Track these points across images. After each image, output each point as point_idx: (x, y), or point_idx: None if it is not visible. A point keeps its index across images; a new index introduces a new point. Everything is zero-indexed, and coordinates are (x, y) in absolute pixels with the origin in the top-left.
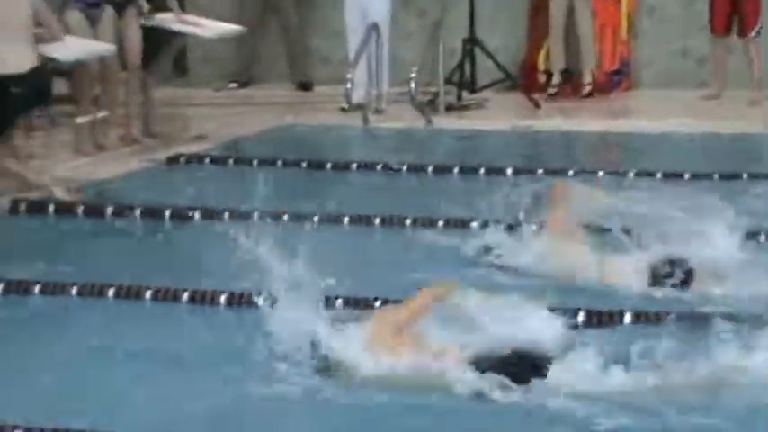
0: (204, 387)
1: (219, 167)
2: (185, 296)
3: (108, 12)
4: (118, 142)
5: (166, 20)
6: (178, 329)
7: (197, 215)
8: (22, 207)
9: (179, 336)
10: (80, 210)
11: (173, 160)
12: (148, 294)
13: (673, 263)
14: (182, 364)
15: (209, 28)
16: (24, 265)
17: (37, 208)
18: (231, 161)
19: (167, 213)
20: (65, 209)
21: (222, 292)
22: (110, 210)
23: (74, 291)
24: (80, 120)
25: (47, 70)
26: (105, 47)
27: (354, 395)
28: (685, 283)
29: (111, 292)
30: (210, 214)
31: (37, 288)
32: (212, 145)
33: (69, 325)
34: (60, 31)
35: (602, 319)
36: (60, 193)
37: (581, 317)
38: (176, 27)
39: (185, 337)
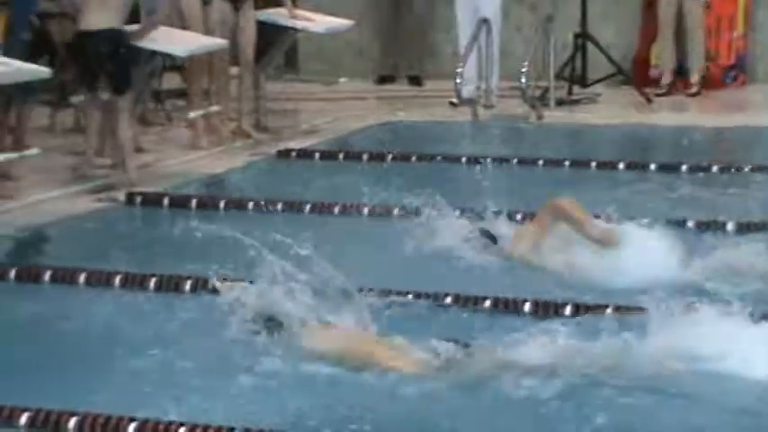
0: None
1: (329, 162)
2: None
3: (221, 5)
4: (230, 137)
5: (278, 15)
6: None
7: (307, 208)
8: (138, 200)
9: None
10: (193, 203)
11: (283, 154)
12: None
13: None
14: None
15: (320, 23)
16: (143, 257)
17: (152, 200)
18: (341, 155)
19: (279, 206)
20: (179, 203)
21: None
22: (222, 203)
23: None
24: (193, 114)
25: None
26: (219, 41)
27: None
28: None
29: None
30: (320, 208)
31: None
32: (322, 139)
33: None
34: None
35: None
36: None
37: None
38: (288, 22)
39: None
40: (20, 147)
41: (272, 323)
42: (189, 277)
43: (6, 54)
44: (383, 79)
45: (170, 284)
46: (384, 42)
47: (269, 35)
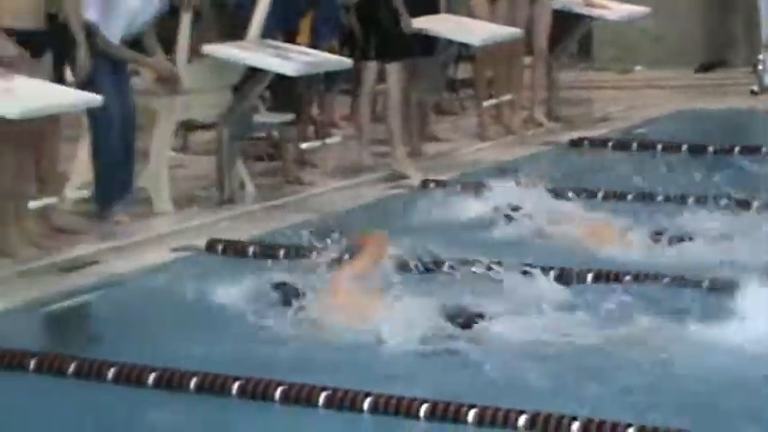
0: None
1: (622, 152)
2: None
3: None
4: (522, 125)
5: (574, 3)
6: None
7: (600, 195)
8: (431, 185)
9: None
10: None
11: (575, 143)
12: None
13: None
14: None
15: (616, 10)
16: None
17: (443, 185)
18: (634, 145)
19: (570, 194)
20: (472, 187)
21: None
22: None
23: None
24: (486, 104)
25: None
26: (513, 30)
27: None
28: None
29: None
30: (613, 195)
31: None
32: (615, 128)
33: None
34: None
35: None
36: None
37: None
38: (583, 10)
39: None
40: (322, 135)
41: (286, 290)
42: None
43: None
44: (706, 67)
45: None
46: (702, 29)
47: (563, 23)
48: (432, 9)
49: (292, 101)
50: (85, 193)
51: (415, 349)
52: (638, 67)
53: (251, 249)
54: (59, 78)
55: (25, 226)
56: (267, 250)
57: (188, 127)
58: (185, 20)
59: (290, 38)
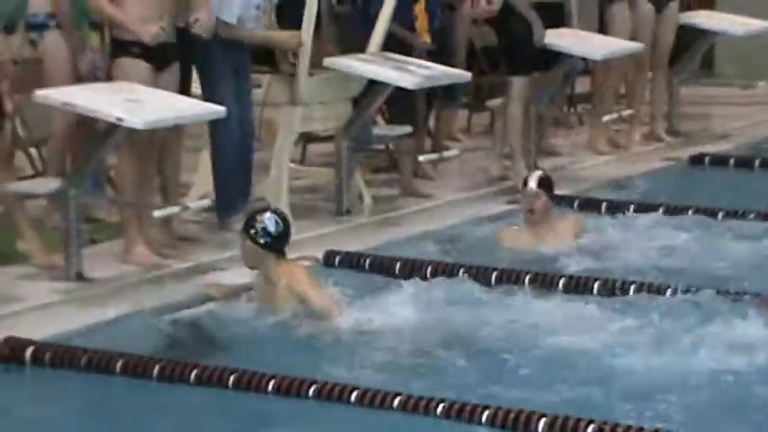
0: None
1: (744, 169)
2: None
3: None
4: (641, 140)
5: (698, 17)
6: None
7: (720, 216)
8: None
9: None
10: (603, 206)
11: (696, 160)
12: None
13: None
14: None
15: (740, 25)
16: None
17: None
18: (756, 162)
19: (689, 212)
20: (588, 205)
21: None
22: (631, 207)
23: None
24: (606, 118)
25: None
26: (636, 45)
27: None
28: None
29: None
30: (734, 215)
31: None
32: (737, 145)
33: None
34: None
35: None
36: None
37: None
38: (706, 24)
39: None
40: (439, 148)
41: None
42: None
43: None
44: None
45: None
46: None
47: (686, 37)
48: (558, 22)
49: (409, 114)
50: (207, 203)
51: None
52: (761, 83)
53: (368, 262)
54: (185, 90)
55: (149, 235)
56: (384, 263)
57: (308, 138)
58: (307, 33)
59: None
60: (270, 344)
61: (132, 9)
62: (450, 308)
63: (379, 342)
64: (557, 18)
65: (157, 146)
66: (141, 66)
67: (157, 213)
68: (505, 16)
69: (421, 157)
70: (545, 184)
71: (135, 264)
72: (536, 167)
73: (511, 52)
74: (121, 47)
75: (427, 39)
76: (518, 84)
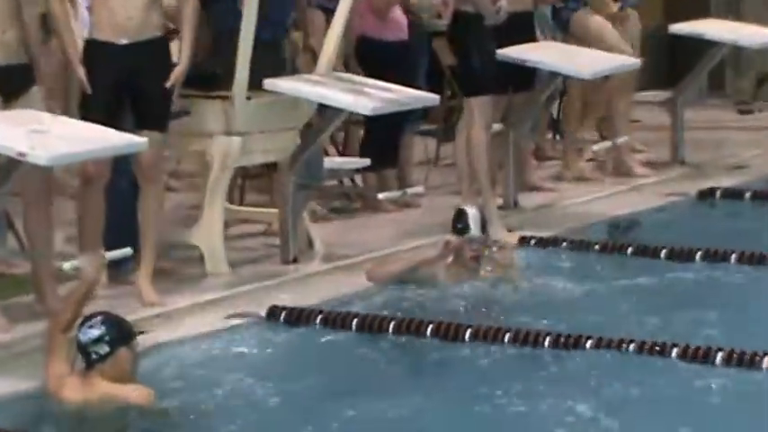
0: None
1: (762, 203)
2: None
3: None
4: (641, 170)
5: (703, 26)
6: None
7: (733, 258)
8: (532, 242)
9: None
10: (595, 248)
11: (705, 194)
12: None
13: None
14: None
15: (757, 35)
16: None
17: (548, 242)
18: None
19: (697, 256)
20: (579, 247)
21: None
22: (629, 250)
23: None
24: (596, 147)
25: None
26: (632, 61)
27: None
28: None
29: None
30: (750, 259)
31: None
32: (753, 177)
33: None
34: None
35: None
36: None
37: None
38: (714, 35)
39: None
40: (404, 182)
41: None
42: None
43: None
44: None
45: None
46: None
47: (690, 51)
48: (529, 35)
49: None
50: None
51: None
52: None
53: (319, 318)
54: None
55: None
56: (339, 319)
57: (247, 174)
58: (244, 51)
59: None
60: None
61: None
62: None
63: None
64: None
65: None
66: None
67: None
68: (456, 25)
69: (380, 195)
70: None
71: None
72: (515, 204)
73: (466, 67)
74: None
75: None
76: (476, 105)
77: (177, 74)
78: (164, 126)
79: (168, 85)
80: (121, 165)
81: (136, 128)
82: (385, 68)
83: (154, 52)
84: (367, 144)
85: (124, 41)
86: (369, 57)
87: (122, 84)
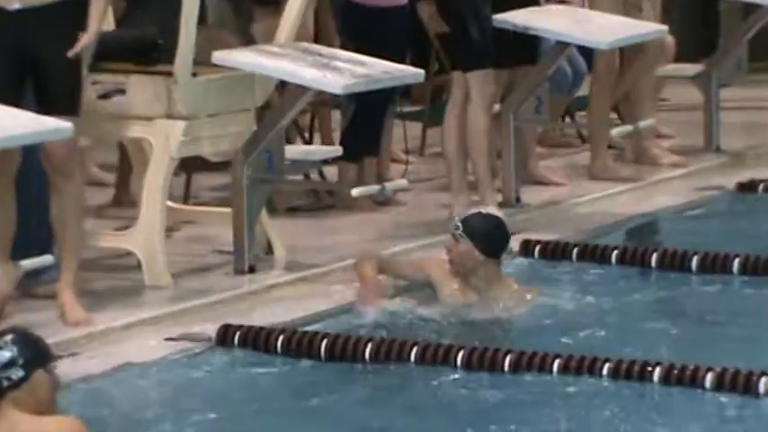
0: None
1: None
2: None
3: None
4: (668, 159)
5: None
6: None
7: None
8: (536, 249)
9: None
10: (613, 257)
11: (745, 187)
12: None
13: None
14: None
15: None
16: None
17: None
18: None
19: (736, 264)
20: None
21: None
22: (654, 258)
23: None
24: (615, 132)
25: None
26: (657, 27)
27: None
28: None
29: None
30: None
31: None
32: None
33: None
34: None
35: None
36: None
37: None
38: None
39: None
40: (383, 175)
41: None
42: None
43: None
44: None
45: None
46: None
47: (725, 14)
48: None
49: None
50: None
51: None
52: None
53: (279, 340)
54: None
55: None
56: (303, 341)
57: (193, 166)
58: (189, 16)
59: None
60: None
61: None
62: None
63: None
64: None
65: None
66: None
67: None
68: None
69: (354, 191)
70: (471, 226)
71: None
72: (517, 201)
73: (461, 36)
74: None
75: None
76: (477, 81)
77: (84, 42)
78: (72, 109)
79: (71, 54)
80: (30, 158)
81: (40, 113)
82: (372, 40)
83: (56, 18)
84: (348, 129)
85: (16, 5)
86: (355, 26)
87: (17, 59)
